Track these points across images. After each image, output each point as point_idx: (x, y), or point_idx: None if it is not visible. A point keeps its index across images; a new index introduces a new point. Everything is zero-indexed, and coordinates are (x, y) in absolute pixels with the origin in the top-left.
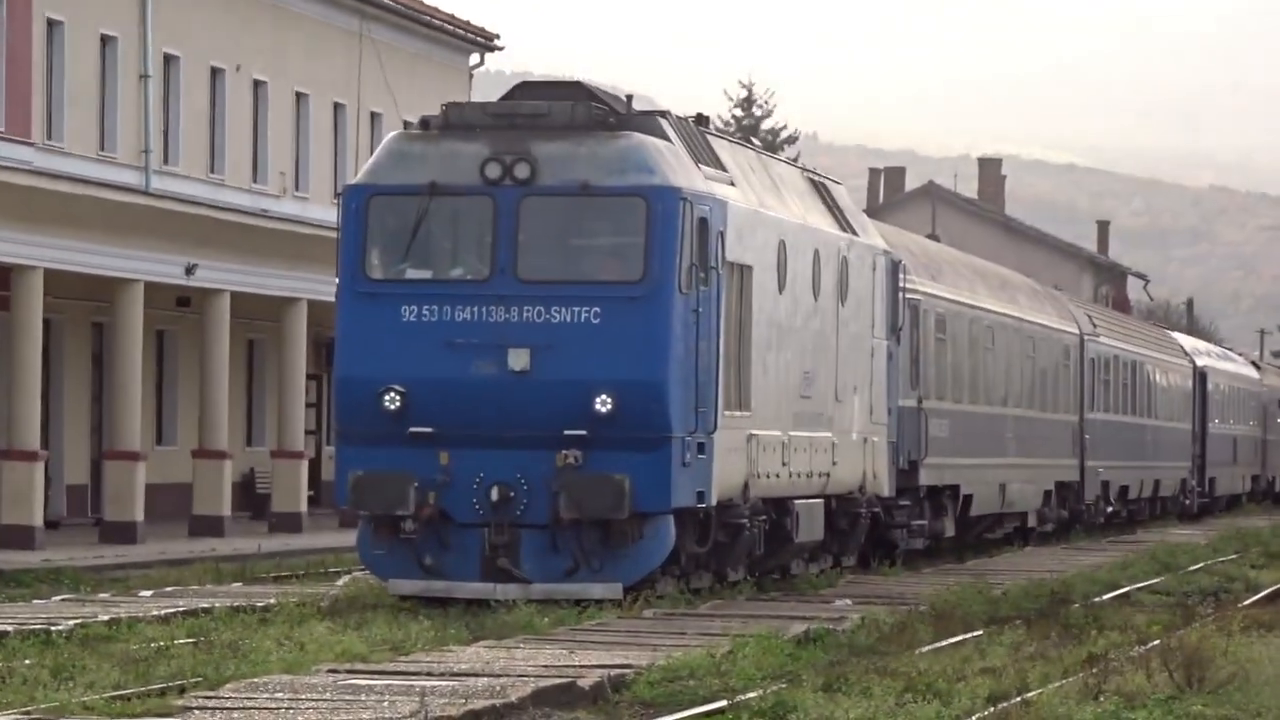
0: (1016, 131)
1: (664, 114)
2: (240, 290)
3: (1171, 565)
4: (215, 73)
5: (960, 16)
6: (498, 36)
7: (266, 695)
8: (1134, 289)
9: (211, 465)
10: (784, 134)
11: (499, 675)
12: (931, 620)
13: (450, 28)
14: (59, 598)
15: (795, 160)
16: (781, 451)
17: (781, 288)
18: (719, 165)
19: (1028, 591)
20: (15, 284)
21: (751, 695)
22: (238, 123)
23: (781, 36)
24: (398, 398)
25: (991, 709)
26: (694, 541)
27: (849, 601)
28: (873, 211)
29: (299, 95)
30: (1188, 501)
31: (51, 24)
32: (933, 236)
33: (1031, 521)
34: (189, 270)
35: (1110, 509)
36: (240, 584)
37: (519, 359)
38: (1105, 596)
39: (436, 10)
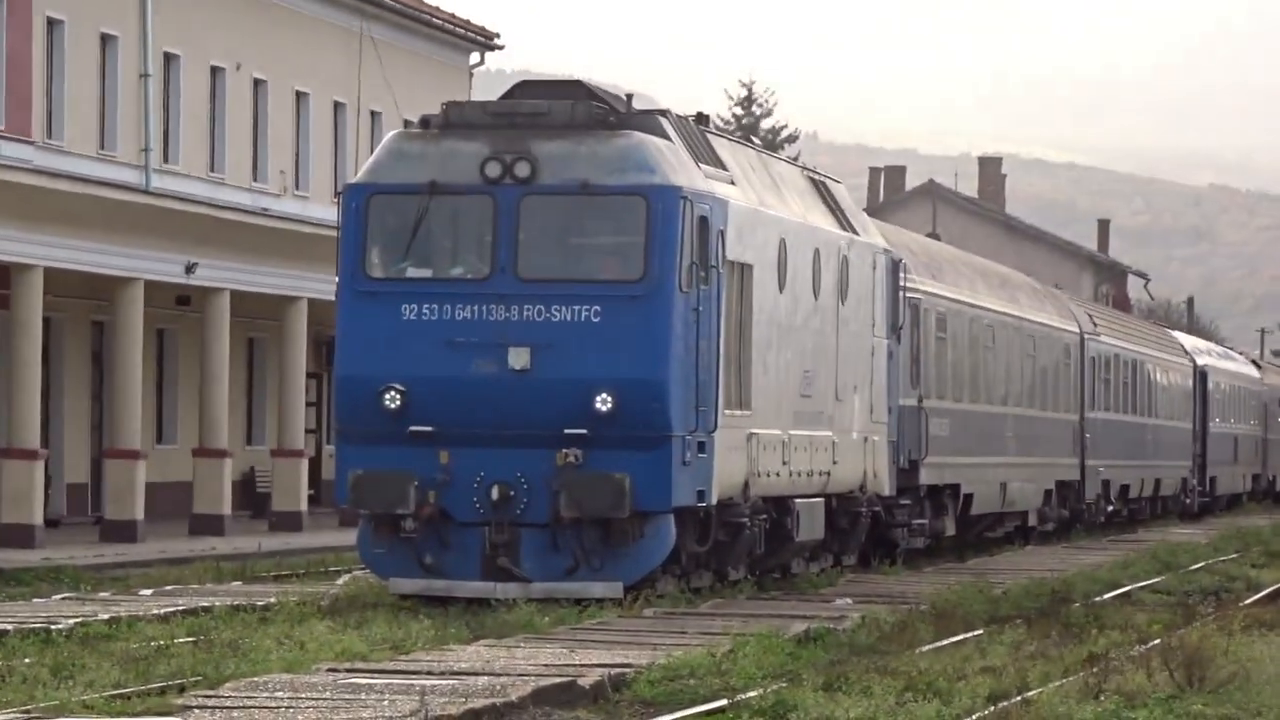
0: (1017, 130)
1: (664, 113)
2: (240, 289)
3: (1172, 564)
4: (215, 72)
5: (961, 16)
6: (498, 35)
7: (266, 694)
8: (1134, 288)
9: (212, 464)
10: (784, 133)
11: (499, 674)
12: (932, 619)
13: (450, 27)
14: (59, 596)
15: (795, 159)
16: (782, 450)
17: (782, 287)
18: (719, 164)
19: (1028, 591)
20: (15, 282)
21: (752, 694)
22: (238, 121)
23: (782, 35)
24: (398, 396)
25: (992, 708)
26: (694, 540)
27: (849, 600)
28: (873, 210)
29: (299, 94)
30: (1188, 500)
31: (52, 23)
32: (933, 235)
33: (1032, 521)
34: (189, 269)
35: (1111, 508)
36: (240, 583)
37: (519, 358)
38: (1106, 596)
39: (437, 9)
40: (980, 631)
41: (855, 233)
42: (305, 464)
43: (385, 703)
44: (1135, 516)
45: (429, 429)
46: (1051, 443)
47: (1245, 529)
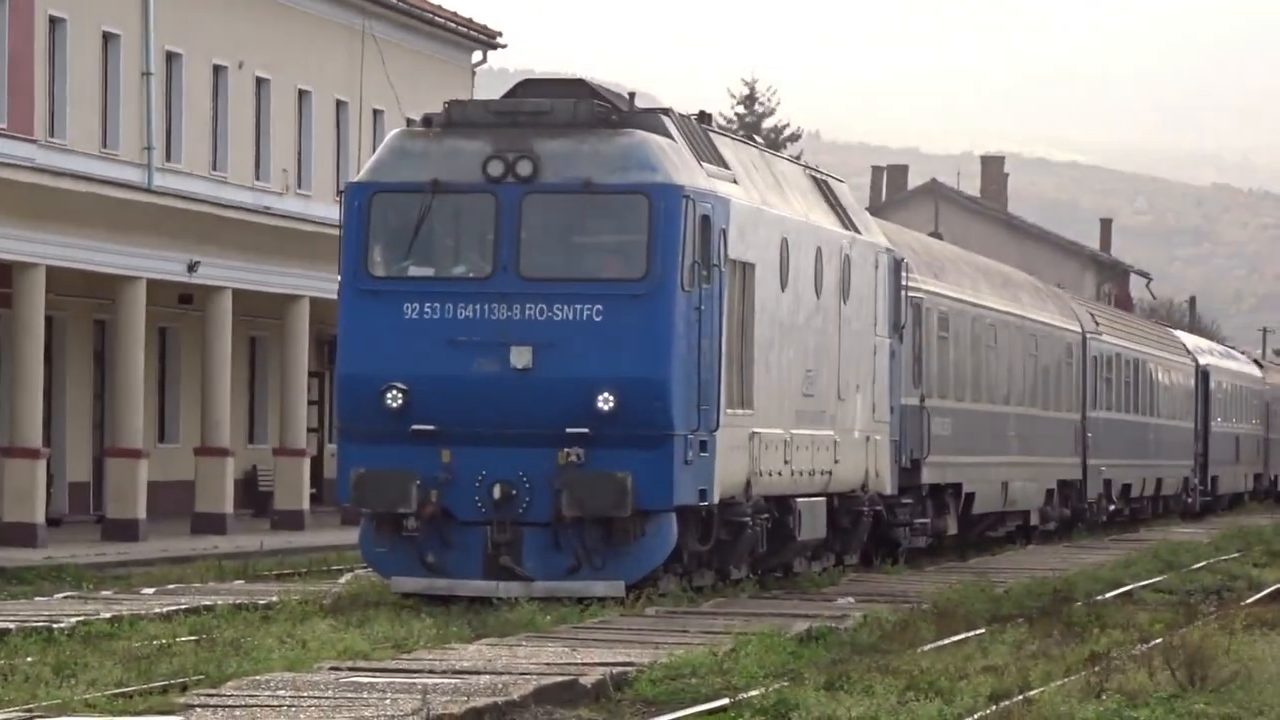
0: (1019, 129)
1: (666, 111)
2: (242, 287)
3: (1174, 564)
4: (217, 70)
5: (963, 15)
6: (500, 34)
7: (268, 693)
8: (1136, 287)
9: (213, 463)
10: (786, 132)
11: (501, 673)
12: (934, 618)
13: (453, 25)
14: (61, 595)
15: (798, 158)
16: (784, 449)
17: (784, 285)
18: (722, 163)
19: (1030, 590)
20: (17, 281)
21: (753, 693)
22: (240, 120)
23: (784, 34)
24: (400, 395)
25: (994, 707)
26: (696, 539)
27: (851, 599)
28: (875, 209)
29: (301, 92)
30: (1190, 500)
31: (54, 21)
32: (935, 235)
33: (1034, 520)
34: (191, 267)
35: (1112, 507)
36: (242, 582)
37: (521, 357)
38: (1107, 595)
39: (439, 8)
40: (982, 631)
41: (857, 232)
42: (307, 463)
43: (387, 701)
44: (1137, 516)
45: (431, 428)
46: (1053, 442)
47: (1247, 528)
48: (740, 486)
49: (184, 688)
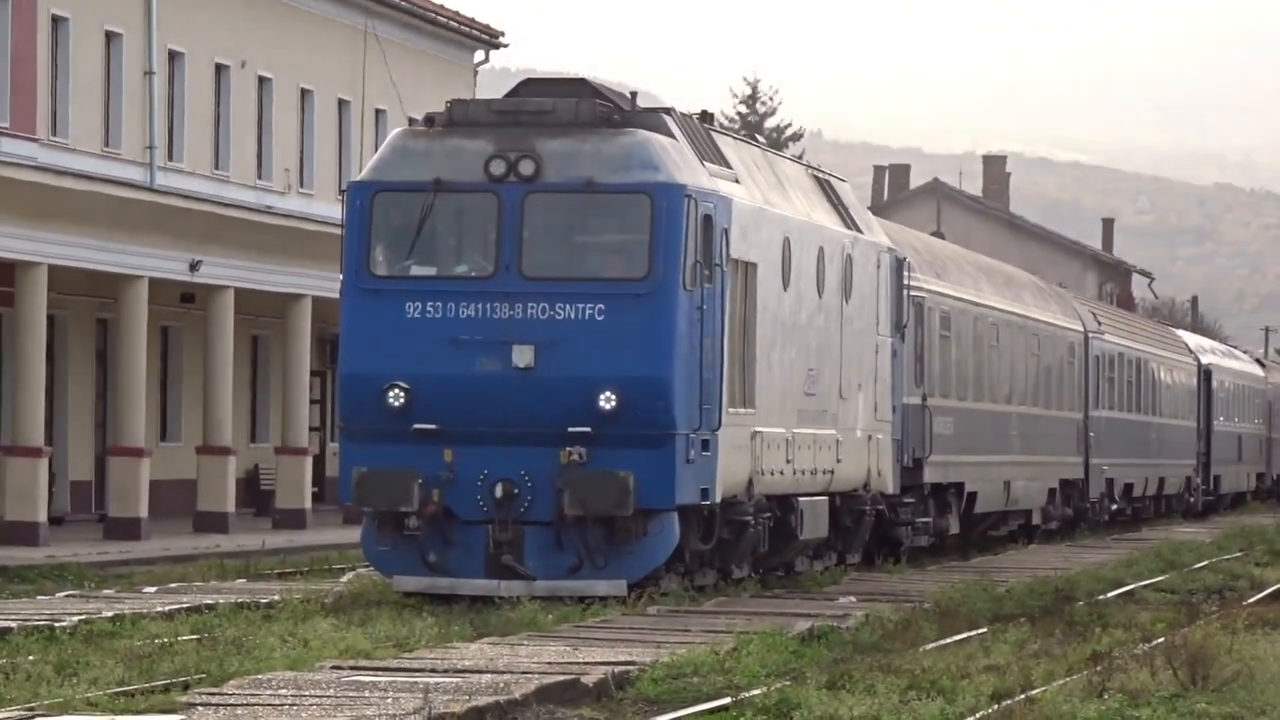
0: (1021, 129)
1: (669, 111)
2: (244, 286)
3: (1176, 563)
4: (220, 69)
5: (965, 14)
6: (502, 34)
7: (270, 692)
8: (1139, 287)
9: (215, 461)
10: (789, 131)
11: (503, 672)
12: (936, 618)
13: (455, 25)
14: (63, 594)
15: (800, 157)
16: (786, 448)
17: (786, 285)
18: (724, 162)
19: (1032, 589)
20: (20, 280)
21: (755, 692)
22: (242, 119)
23: (786, 34)
24: (402, 394)
25: (995, 706)
26: (698, 538)
27: (853, 599)
28: (877, 209)
29: (303, 92)
30: (1192, 499)
31: (56, 20)
32: (937, 234)
33: (1036, 519)
34: (193, 266)
35: (1115, 506)
36: (244, 580)
37: (523, 356)
38: (1110, 594)
39: (441, 7)
40: (984, 630)
41: (859, 231)
42: (309, 462)
43: (389, 700)
44: (1139, 515)
45: (433, 427)
46: (1055, 441)
47: (1249, 528)
48: (742, 485)
49: (186, 687)
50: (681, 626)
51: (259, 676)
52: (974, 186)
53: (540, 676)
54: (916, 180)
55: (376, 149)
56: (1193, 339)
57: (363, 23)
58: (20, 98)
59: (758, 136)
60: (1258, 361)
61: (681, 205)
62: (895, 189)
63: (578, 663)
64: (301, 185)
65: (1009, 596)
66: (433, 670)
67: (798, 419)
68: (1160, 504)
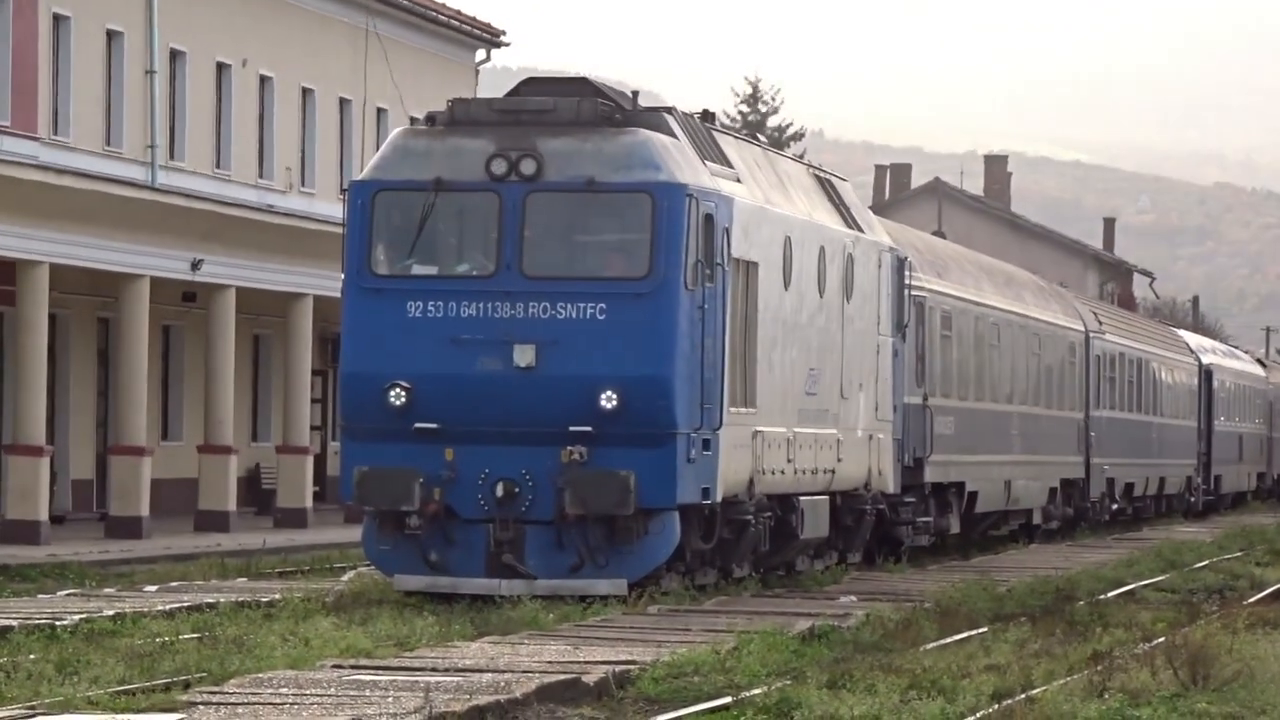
0: (1022, 128)
1: (670, 110)
2: (246, 285)
3: (1176, 563)
4: (221, 68)
5: (966, 14)
6: (504, 33)
7: (271, 691)
8: (1139, 286)
9: (217, 460)
10: (790, 130)
11: (504, 671)
12: (936, 617)
13: (456, 24)
14: (64, 593)
15: (801, 157)
16: (787, 448)
17: (787, 284)
18: (725, 162)
19: (1033, 588)
20: (21, 279)
21: (756, 692)
22: (243, 118)
23: (788, 33)
24: (403, 393)
25: (996, 706)
26: (699, 538)
27: (854, 598)
28: (878, 208)
29: (305, 91)
30: (1193, 499)
31: (58, 19)
32: (938, 233)
33: (1036, 519)
34: (195, 265)
35: (1115, 506)
36: (245, 579)
37: (524, 355)
38: (1110, 594)
39: (443, 6)
40: (985, 629)
41: (861, 230)
42: (310, 461)
43: (390, 699)
44: (1140, 515)
45: (434, 426)
46: (1056, 441)
47: (1250, 527)
48: (743, 485)
49: (186, 685)
50: (682, 626)
51: (260, 675)
52: (975, 186)
53: (541, 676)
54: (918, 180)
55: (378, 148)
56: (1193, 339)
57: (364, 22)
58: (21, 96)
59: (759, 136)
60: (1259, 361)
61: (683, 204)
62: (896, 188)
63: (579, 662)
64: (303, 184)
65: (1009, 596)
66: (433, 669)
67: (799, 418)
68: (1161, 504)
